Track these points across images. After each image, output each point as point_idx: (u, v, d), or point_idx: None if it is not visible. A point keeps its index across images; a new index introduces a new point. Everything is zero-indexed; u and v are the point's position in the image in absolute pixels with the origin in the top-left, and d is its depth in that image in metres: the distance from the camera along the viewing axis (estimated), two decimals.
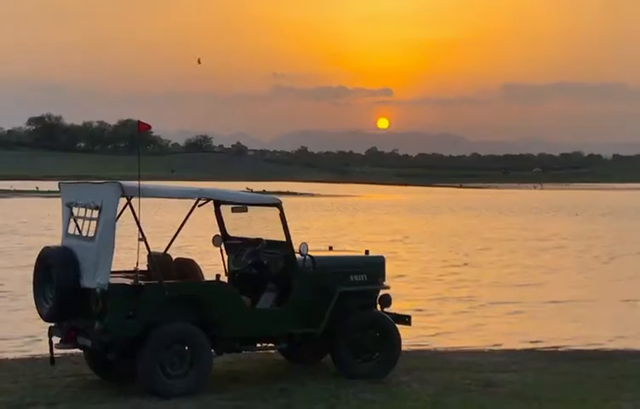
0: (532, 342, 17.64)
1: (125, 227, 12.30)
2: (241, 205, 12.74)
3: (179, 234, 12.96)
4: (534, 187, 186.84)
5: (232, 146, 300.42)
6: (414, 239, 45.44)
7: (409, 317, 13.05)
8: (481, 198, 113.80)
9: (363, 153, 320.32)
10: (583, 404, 11.61)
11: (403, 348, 13.12)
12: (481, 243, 43.41)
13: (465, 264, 33.19)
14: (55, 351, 11.96)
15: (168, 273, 11.96)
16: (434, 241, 44.25)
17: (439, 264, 32.87)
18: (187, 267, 12.63)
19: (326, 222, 58.13)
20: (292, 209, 68.38)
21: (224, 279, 12.58)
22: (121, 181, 11.48)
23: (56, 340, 11.87)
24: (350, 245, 34.48)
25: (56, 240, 12.81)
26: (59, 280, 11.41)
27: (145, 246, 11.49)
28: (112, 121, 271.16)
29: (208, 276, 12.51)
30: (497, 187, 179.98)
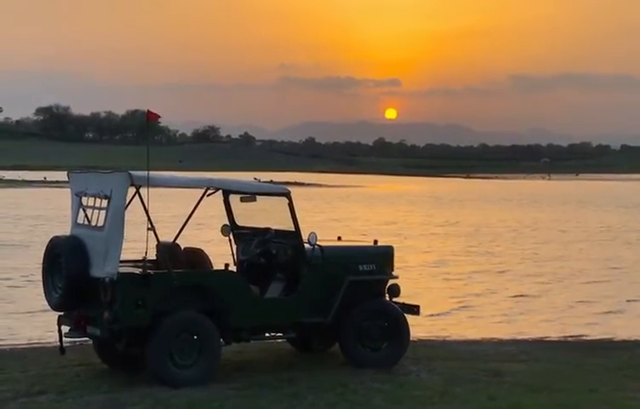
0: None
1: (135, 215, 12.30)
2: (250, 195, 12.73)
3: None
4: (542, 178, 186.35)
5: (240, 136, 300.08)
6: (504, 235, 43.43)
7: (418, 307, 13.04)
8: (499, 189, 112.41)
9: (371, 144, 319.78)
10: (592, 394, 11.58)
11: (412, 337, 13.13)
12: (568, 236, 42.50)
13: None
14: (65, 340, 11.98)
15: (177, 262, 11.97)
16: (523, 236, 42.87)
17: (594, 263, 31.29)
18: (196, 257, 12.64)
19: (366, 214, 57.38)
20: (323, 199, 68.40)
21: (232, 268, 12.57)
22: (130, 171, 11.47)
23: (65, 329, 11.89)
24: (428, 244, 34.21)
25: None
26: (68, 270, 11.41)
27: (154, 236, 11.50)
28: (120, 111, 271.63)
29: (217, 266, 12.52)
30: (505, 178, 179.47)
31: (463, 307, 21.20)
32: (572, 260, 32.04)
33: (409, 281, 24.91)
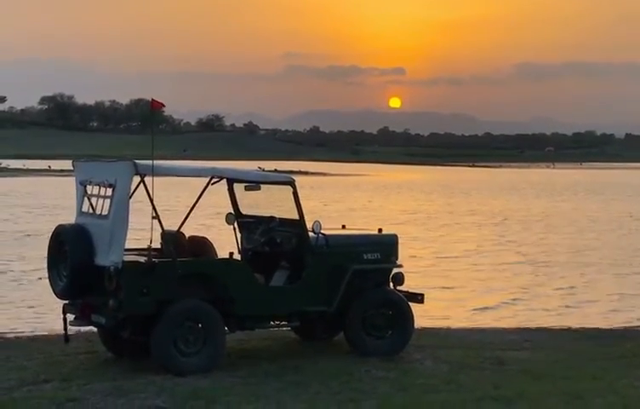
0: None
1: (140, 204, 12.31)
2: (254, 184, 12.73)
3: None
4: (547, 167, 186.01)
5: (244, 125, 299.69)
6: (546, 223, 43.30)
7: (422, 295, 13.05)
8: (508, 178, 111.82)
9: (375, 133, 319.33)
10: (596, 382, 11.59)
11: (416, 325, 13.14)
12: (599, 225, 42.29)
13: None
14: (69, 328, 12.00)
15: (182, 250, 11.97)
16: (554, 225, 42.58)
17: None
18: (200, 245, 12.64)
19: (385, 204, 57.23)
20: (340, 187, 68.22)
21: (237, 256, 12.58)
22: (134, 160, 11.48)
23: (70, 317, 11.91)
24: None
25: None
26: (72, 258, 11.43)
27: (158, 224, 11.51)
28: (124, 100, 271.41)
29: (222, 254, 12.53)
30: (509, 167, 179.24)
31: (515, 299, 21.03)
32: (610, 248, 32.00)
33: (460, 272, 25.20)
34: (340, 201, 57.03)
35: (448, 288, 22.40)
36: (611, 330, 16.70)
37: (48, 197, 53.68)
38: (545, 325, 17.02)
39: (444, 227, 40.72)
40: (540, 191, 78.91)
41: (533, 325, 17.17)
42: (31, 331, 15.46)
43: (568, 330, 16.44)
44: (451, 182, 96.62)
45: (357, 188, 78.25)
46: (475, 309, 19.48)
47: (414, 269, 24.92)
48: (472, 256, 29.21)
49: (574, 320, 17.96)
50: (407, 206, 54.60)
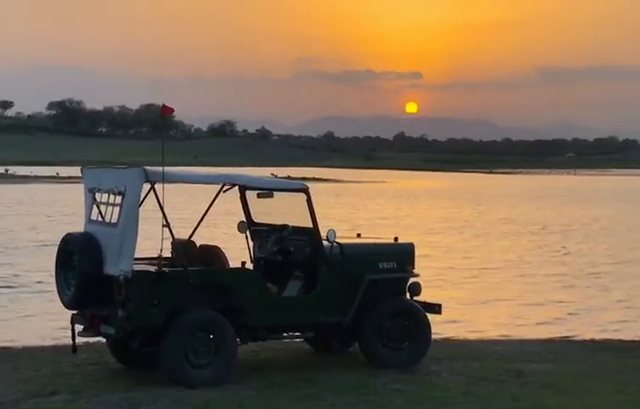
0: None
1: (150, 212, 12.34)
2: (267, 191, 12.75)
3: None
4: (568, 173, 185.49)
5: (257, 130, 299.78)
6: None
7: (439, 306, 13.02)
8: (531, 186, 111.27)
9: (391, 139, 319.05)
10: (618, 395, 11.55)
11: (433, 336, 13.14)
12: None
13: None
14: (78, 339, 12.02)
15: (193, 259, 11.99)
16: (593, 234, 42.49)
17: None
18: (212, 254, 12.66)
19: (413, 212, 57.23)
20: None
21: (249, 266, 12.60)
22: (144, 167, 11.51)
23: (79, 328, 11.94)
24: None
25: None
26: (81, 267, 11.45)
27: (169, 233, 11.54)
28: (134, 106, 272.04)
29: (234, 263, 12.55)
30: (529, 173, 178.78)
31: (572, 313, 20.83)
32: None
33: (505, 283, 25.13)
34: (366, 209, 56.97)
35: (498, 300, 22.31)
36: (638, 342, 16.59)
37: (65, 204, 53.85)
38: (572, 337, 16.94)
39: (481, 236, 40.55)
40: (567, 198, 78.67)
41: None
42: (40, 342, 15.47)
43: (592, 341, 16.37)
44: (474, 189, 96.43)
45: (380, 195, 78.15)
46: (536, 323, 19.26)
47: (458, 280, 25.04)
48: (518, 267, 29.04)
49: (633, 334, 17.66)
50: (437, 214, 54.52)
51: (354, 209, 54.85)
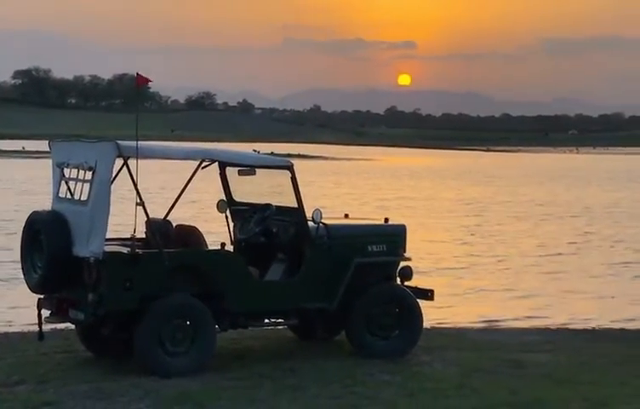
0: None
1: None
2: (248, 168, 12.74)
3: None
4: (570, 152, 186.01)
5: (238, 103, 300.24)
6: None
7: (432, 291, 13.05)
8: (537, 164, 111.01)
9: (382, 113, 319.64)
10: (622, 387, 11.61)
11: (425, 324, 13.17)
12: None
13: None
14: (45, 325, 12.02)
15: (169, 240, 11.99)
16: (624, 217, 42.40)
17: None
18: (189, 235, 12.66)
19: (418, 192, 56.94)
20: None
21: (229, 247, 12.60)
22: (117, 140, 11.48)
23: (46, 313, 11.93)
24: None
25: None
26: (48, 248, 11.43)
27: (143, 211, 11.53)
28: (106, 75, 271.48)
29: (212, 245, 12.55)
30: (529, 151, 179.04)
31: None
32: None
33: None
34: (375, 188, 56.81)
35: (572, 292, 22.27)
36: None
37: (32, 180, 53.67)
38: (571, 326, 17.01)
39: (512, 218, 40.42)
40: (582, 179, 78.60)
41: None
42: (4, 329, 15.46)
43: (593, 331, 16.46)
44: (476, 168, 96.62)
45: (382, 175, 77.83)
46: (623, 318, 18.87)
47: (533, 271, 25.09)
48: (578, 253, 29.03)
49: None
50: (451, 195, 54.39)
51: (360, 190, 54.49)
